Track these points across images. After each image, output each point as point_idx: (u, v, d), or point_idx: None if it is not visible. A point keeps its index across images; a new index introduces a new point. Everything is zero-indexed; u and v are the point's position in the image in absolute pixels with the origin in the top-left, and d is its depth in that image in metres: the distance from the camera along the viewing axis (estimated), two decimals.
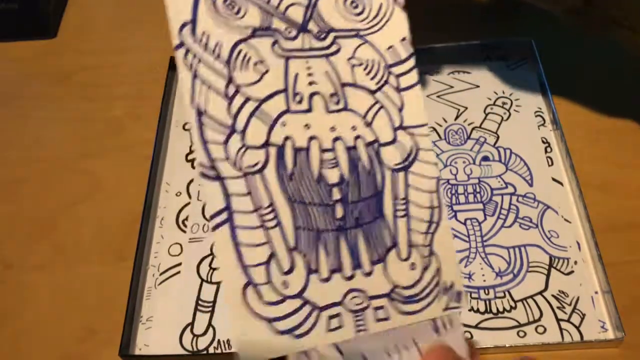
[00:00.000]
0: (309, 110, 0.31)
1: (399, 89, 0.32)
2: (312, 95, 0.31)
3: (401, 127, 0.31)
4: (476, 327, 0.37)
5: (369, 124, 0.31)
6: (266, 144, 0.29)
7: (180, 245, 0.42)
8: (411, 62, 0.32)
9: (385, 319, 0.29)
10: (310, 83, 0.31)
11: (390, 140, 0.31)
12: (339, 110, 0.31)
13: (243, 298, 0.27)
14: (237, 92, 0.29)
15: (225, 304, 0.32)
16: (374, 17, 0.33)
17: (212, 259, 0.41)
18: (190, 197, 0.44)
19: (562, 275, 0.39)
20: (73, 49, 0.55)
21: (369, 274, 0.30)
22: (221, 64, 0.29)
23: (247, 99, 0.29)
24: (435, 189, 0.31)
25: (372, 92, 0.32)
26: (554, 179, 0.43)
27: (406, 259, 0.30)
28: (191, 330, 0.38)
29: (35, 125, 0.50)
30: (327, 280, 0.29)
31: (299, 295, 0.28)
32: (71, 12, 0.58)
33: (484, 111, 0.48)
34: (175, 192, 0.44)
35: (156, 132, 0.46)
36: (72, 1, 0.59)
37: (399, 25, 0.33)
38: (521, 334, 0.37)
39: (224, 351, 0.37)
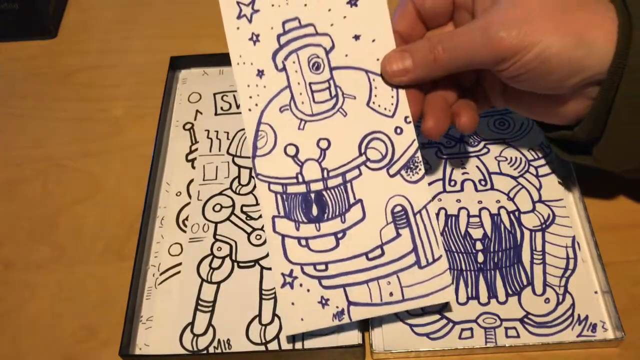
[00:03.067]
0: (461, 190, 0.42)
1: (537, 176, 0.42)
2: (464, 180, 0.42)
3: (540, 201, 0.41)
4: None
5: (511, 199, 0.41)
6: None
7: (181, 245, 0.42)
8: (549, 158, 0.43)
9: (515, 337, 0.36)
10: (463, 173, 0.42)
11: (530, 210, 0.41)
12: (485, 190, 0.42)
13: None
14: None
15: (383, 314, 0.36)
16: (518, 130, 0.45)
17: (212, 259, 0.41)
18: (190, 197, 0.44)
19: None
20: (73, 49, 0.55)
21: (503, 303, 0.37)
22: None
23: None
24: (571, 245, 0.39)
25: (515, 178, 0.42)
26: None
27: (541, 295, 0.38)
28: (191, 330, 0.38)
29: (35, 125, 0.50)
30: (464, 304, 0.38)
31: (439, 312, 0.38)
32: (71, 12, 0.58)
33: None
34: (175, 192, 0.44)
35: (156, 132, 0.46)
36: (72, 1, 0.59)
37: (538, 135, 0.44)
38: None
39: (223, 351, 0.37)
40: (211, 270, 0.41)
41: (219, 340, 0.38)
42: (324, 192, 0.35)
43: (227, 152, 0.46)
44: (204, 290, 0.40)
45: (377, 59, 0.35)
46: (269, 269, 0.40)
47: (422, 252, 0.35)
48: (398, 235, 0.35)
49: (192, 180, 0.45)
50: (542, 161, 0.44)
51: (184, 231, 0.42)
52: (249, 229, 0.42)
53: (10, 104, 0.52)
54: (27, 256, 0.43)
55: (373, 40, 0.35)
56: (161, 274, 0.41)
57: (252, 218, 0.43)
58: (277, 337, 0.38)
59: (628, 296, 0.38)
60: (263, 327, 0.38)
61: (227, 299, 0.39)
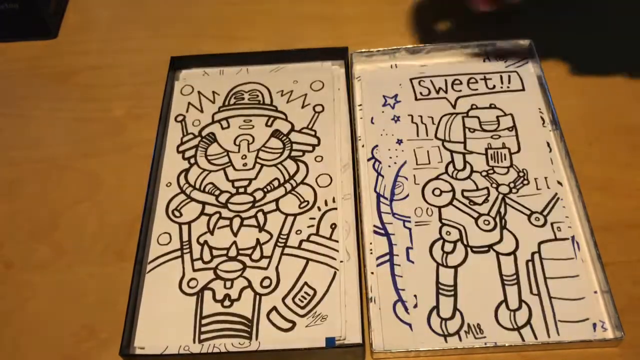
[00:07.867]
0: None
1: None
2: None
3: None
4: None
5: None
6: None
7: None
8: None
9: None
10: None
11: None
12: None
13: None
14: None
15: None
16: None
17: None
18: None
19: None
20: (73, 49, 0.55)
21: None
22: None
23: None
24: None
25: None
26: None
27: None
28: (437, 314, 0.38)
29: (35, 125, 0.50)
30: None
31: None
32: (71, 12, 0.58)
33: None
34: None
35: (156, 131, 0.46)
36: (73, 1, 0.59)
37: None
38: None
39: (221, 351, 0.37)
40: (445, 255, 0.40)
41: (468, 324, 0.37)
42: None
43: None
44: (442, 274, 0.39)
45: None
46: (506, 254, 0.40)
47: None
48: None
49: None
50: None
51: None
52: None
53: (10, 104, 0.52)
54: (27, 256, 0.43)
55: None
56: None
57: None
58: (528, 322, 0.37)
59: (628, 296, 0.38)
60: (512, 313, 0.38)
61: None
